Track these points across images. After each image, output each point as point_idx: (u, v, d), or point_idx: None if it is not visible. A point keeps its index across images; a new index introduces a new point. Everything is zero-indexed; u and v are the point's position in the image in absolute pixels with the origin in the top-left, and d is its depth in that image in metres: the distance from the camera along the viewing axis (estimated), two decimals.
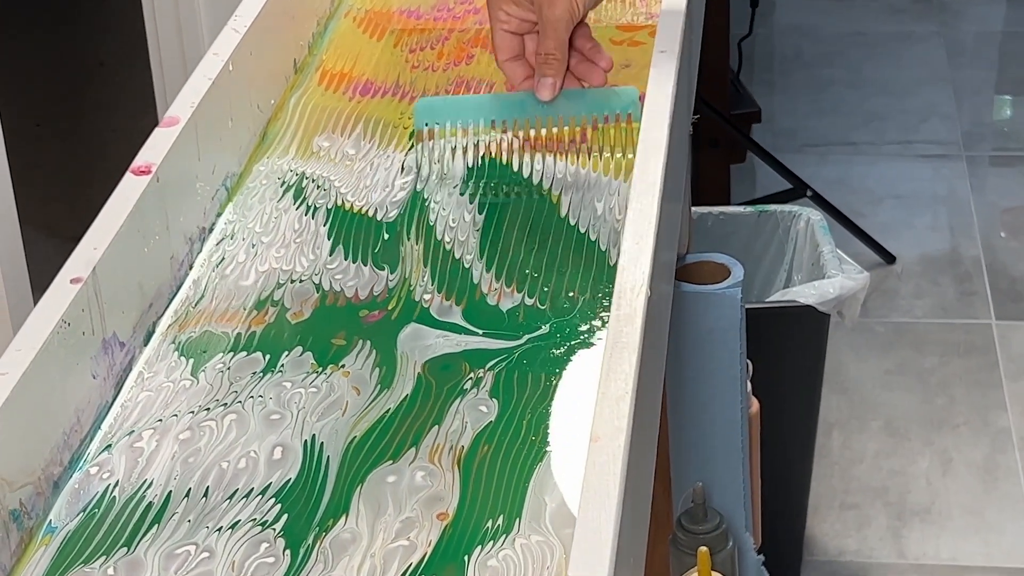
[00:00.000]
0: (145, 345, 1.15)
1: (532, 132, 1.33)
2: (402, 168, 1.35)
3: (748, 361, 1.63)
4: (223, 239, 1.26)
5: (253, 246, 1.26)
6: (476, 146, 1.34)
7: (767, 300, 2.15)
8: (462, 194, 1.30)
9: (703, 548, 1.33)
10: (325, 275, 1.22)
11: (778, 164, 2.97)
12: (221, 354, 1.14)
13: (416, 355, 1.12)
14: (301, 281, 1.21)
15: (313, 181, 1.33)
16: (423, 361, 1.12)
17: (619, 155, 1.33)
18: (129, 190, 1.17)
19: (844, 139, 3.44)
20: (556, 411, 1.06)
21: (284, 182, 1.34)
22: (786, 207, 2.33)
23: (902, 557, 2.39)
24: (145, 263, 1.16)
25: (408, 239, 1.26)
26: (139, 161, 1.20)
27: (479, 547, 0.95)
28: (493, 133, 1.33)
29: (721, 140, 2.92)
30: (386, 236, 1.26)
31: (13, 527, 0.96)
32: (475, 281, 1.20)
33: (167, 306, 1.19)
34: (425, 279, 1.21)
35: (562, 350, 1.12)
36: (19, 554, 0.96)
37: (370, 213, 1.29)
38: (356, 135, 1.40)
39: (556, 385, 1.08)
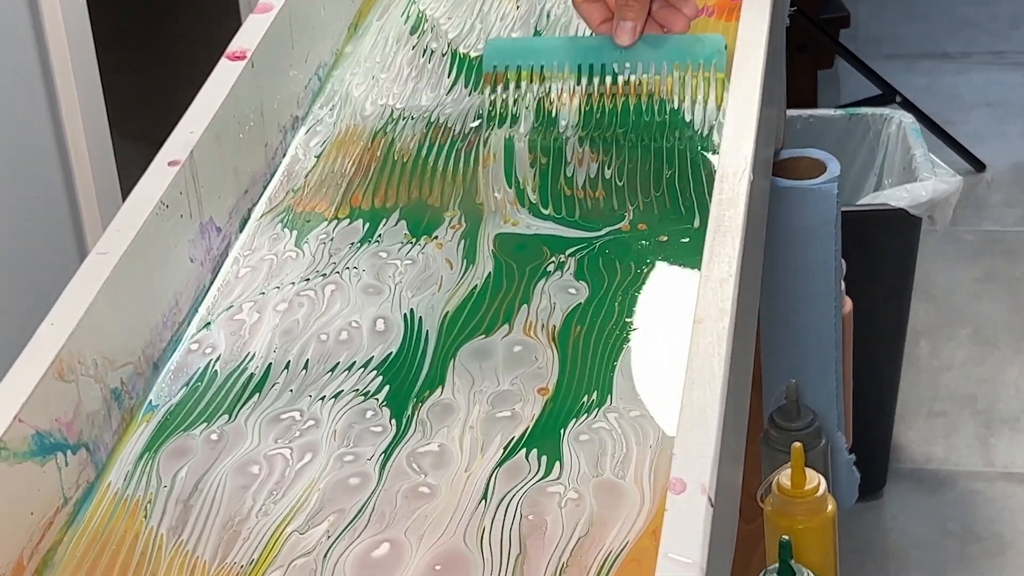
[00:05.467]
0: (241, 231, 1.14)
1: (608, 80, 1.25)
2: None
3: (842, 260, 1.61)
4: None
5: (373, 78, 1.29)
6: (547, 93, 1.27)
7: (858, 204, 2.13)
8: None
9: (797, 444, 1.32)
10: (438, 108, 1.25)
11: (867, 69, 2.92)
12: (325, 223, 1.14)
13: (489, 227, 1.12)
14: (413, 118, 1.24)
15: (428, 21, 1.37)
16: (493, 235, 1.11)
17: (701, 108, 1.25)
18: (224, 75, 1.16)
19: (933, 46, 3.38)
20: (648, 294, 1.05)
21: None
22: (877, 110, 2.30)
23: (990, 465, 2.36)
24: (240, 148, 1.16)
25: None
26: (234, 47, 1.19)
27: (574, 420, 0.95)
28: (566, 79, 1.26)
29: (809, 45, 2.88)
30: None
31: (114, 406, 0.96)
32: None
33: (262, 193, 1.18)
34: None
35: (647, 241, 1.10)
36: (120, 433, 0.96)
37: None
38: None
39: (644, 272, 1.07)
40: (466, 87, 1.29)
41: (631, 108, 1.24)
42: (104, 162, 2.03)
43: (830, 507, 1.37)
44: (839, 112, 2.31)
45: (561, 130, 1.23)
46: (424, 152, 1.21)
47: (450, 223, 1.14)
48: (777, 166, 1.51)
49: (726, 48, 1.22)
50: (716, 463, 0.82)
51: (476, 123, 1.25)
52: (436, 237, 1.13)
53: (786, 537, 1.24)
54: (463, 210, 1.15)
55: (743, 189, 1.01)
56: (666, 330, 1.01)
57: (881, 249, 2.11)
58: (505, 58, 1.26)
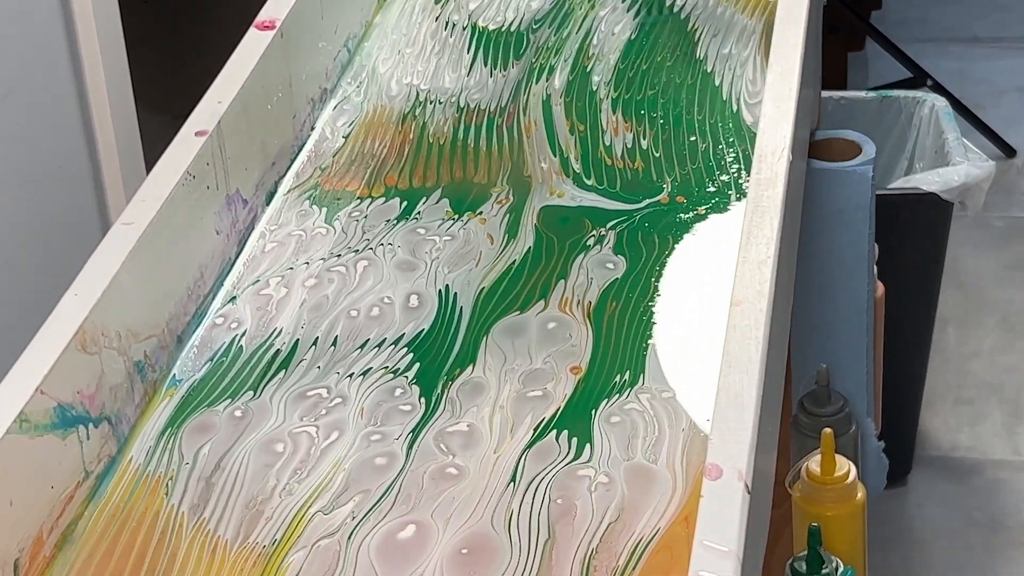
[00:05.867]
0: (267, 204, 1.12)
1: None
2: None
3: (875, 244, 1.59)
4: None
5: (399, 52, 1.27)
6: None
7: (888, 187, 2.10)
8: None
9: (827, 430, 1.30)
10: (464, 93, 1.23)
11: (898, 52, 2.89)
12: (357, 201, 1.12)
13: (535, 200, 1.10)
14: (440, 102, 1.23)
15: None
16: (539, 208, 1.10)
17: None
18: (253, 45, 1.14)
19: (965, 30, 3.35)
20: (685, 271, 1.03)
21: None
22: (910, 92, 2.26)
23: (1016, 454, 2.34)
24: (268, 120, 1.14)
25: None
26: (263, 16, 1.17)
27: (606, 400, 0.93)
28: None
29: (840, 26, 2.84)
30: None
31: (137, 379, 0.94)
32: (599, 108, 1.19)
33: (289, 167, 1.16)
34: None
35: (685, 215, 1.09)
36: (143, 407, 0.94)
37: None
38: None
39: (682, 246, 1.05)
40: (485, 66, 1.27)
41: (664, 70, 1.24)
42: (128, 135, 2.02)
43: (860, 494, 1.35)
44: (871, 94, 2.28)
45: (594, 87, 1.22)
46: (461, 135, 1.19)
47: (497, 198, 1.12)
48: (811, 147, 1.48)
49: None
50: (753, 449, 0.80)
51: (511, 93, 1.24)
52: (480, 213, 1.11)
53: (815, 524, 1.22)
54: (511, 184, 1.14)
55: (782, 169, 0.99)
56: (702, 309, 0.99)
57: (911, 234, 2.08)
58: None
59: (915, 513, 2.24)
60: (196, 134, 1.04)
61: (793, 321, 1.56)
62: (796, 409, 1.42)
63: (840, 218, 1.46)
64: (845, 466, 1.33)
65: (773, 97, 1.06)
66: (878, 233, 1.62)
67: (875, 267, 1.60)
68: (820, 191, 1.45)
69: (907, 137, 2.28)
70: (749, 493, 0.78)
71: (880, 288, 1.61)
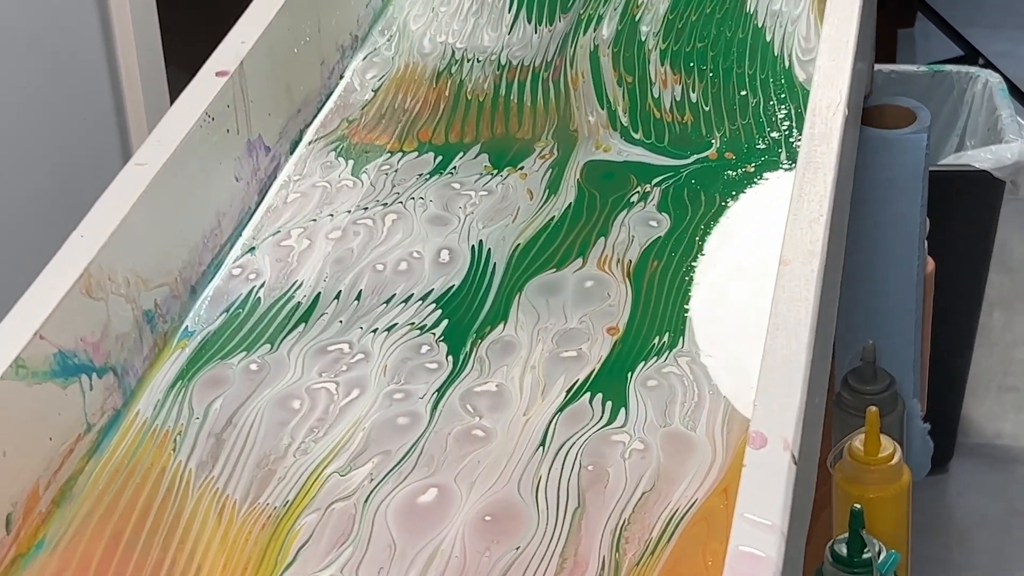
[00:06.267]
0: (291, 154, 1.07)
1: None
2: None
3: (927, 218, 1.52)
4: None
5: (432, 10, 1.22)
6: None
7: (939, 164, 2.03)
8: None
9: (872, 408, 1.24)
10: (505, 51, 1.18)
11: (950, 29, 2.82)
12: (388, 155, 1.07)
13: (580, 155, 1.05)
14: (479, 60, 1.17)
15: None
16: (583, 163, 1.04)
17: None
18: None
19: (1015, 13, 3.27)
20: (731, 231, 0.97)
21: None
22: (963, 67, 2.19)
23: None
24: (294, 64, 1.08)
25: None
26: None
27: (643, 363, 0.87)
28: None
29: (890, 2, 2.77)
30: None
31: (147, 328, 0.89)
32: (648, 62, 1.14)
33: (315, 116, 1.11)
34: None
35: (733, 172, 1.03)
36: (152, 359, 0.89)
37: None
38: None
39: (729, 205, 0.99)
40: (529, 23, 1.22)
41: (713, 22, 1.18)
42: (158, 94, 1.97)
43: (905, 476, 1.29)
44: (923, 68, 2.21)
45: (643, 38, 1.17)
46: (503, 91, 1.13)
47: (540, 153, 1.07)
48: (863, 114, 1.42)
49: None
50: (801, 418, 0.74)
51: (558, 46, 1.18)
52: (522, 168, 1.05)
53: (858, 506, 1.16)
54: (557, 139, 1.08)
55: (837, 124, 0.93)
56: (748, 270, 0.93)
57: (961, 212, 2.01)
58: None
59: (955, 501, 2.18)
60: (217, 74, 0.99)
61: (841, 294, 1.50)
62: (840, 386, 1.36)
63: (892, 187, 1.40)
64: (890, 447, 1.28)
65: (829, 50, 1.00)
66: (927, 210, 1.56)
67: (926, 242, 1.53)
68: (871, 159, 1.39)
69: (959, 113, 2.21)
70: (796, 464, 0.72)
71: (931, 264, 1.54)
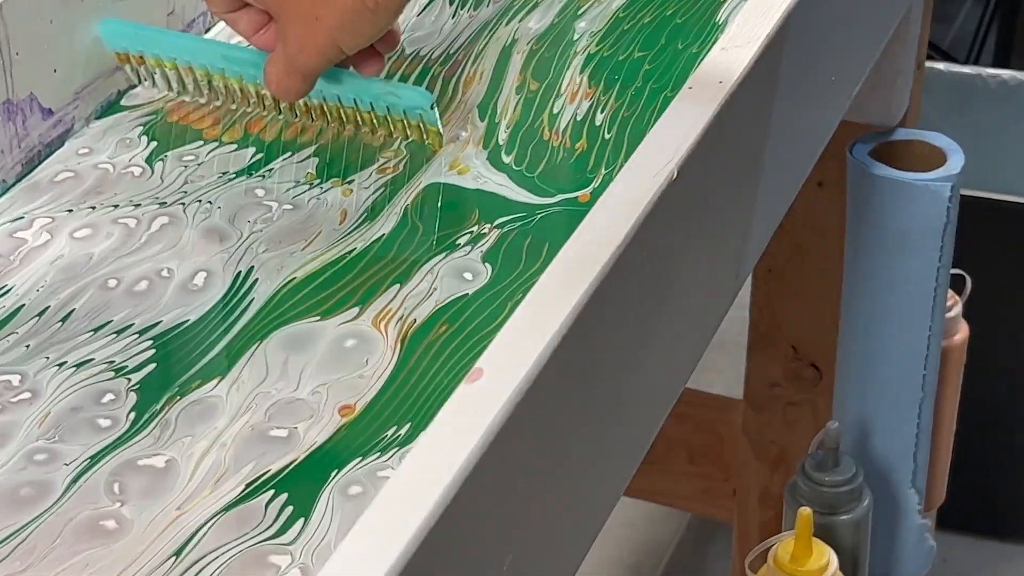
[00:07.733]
0: (99, 119, 0.90)
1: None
2: None
3: (965, 275, 1.29)
4: None
5: None
6: None
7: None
8: None
9: (805, 509, 1.03)
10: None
11: None
12: (200, 143, 0.89)
13: (427, 174, 0.86)
14: None
15: None
16: (425, 185, 0.85)
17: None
18: None
19: None
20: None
21: None
22: None
23: None
24: (123, 11, 0.91)
25: None
26: None
27: (358, 460, 0.68)
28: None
29: None
30: None
31: None
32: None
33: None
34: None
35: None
36: None
37: None
38: None
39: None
40: (451, 4, 1.02)
41: (668, 28, 0.98)
42: None
43: None
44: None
45: (575, 36, 0.97)
46: None
47: (381, 165, 0.88)
48: (885, 148, 1.19)
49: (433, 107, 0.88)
50: None
51: (470, 36, 0.98)
52: (351, 181, 0.86)
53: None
54: (411, 150, 0.89)
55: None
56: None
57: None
58: (129, 43, 0.92)
59: None
60: None
61: (837, 363, 1.28)
62: (797, 473, 1.15)
63: (901, 242, 1.17)
64: (824, 556, 1.06)
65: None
66: (973, 257, 1.32)
67: (959, 306, 1.30)
68: (881, 205, 1.16)
69: None
70: None
71: (963, 331, 1.31)
